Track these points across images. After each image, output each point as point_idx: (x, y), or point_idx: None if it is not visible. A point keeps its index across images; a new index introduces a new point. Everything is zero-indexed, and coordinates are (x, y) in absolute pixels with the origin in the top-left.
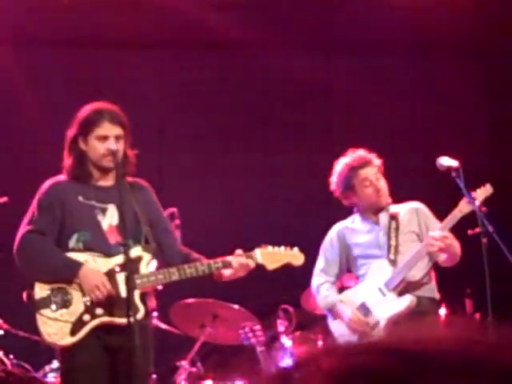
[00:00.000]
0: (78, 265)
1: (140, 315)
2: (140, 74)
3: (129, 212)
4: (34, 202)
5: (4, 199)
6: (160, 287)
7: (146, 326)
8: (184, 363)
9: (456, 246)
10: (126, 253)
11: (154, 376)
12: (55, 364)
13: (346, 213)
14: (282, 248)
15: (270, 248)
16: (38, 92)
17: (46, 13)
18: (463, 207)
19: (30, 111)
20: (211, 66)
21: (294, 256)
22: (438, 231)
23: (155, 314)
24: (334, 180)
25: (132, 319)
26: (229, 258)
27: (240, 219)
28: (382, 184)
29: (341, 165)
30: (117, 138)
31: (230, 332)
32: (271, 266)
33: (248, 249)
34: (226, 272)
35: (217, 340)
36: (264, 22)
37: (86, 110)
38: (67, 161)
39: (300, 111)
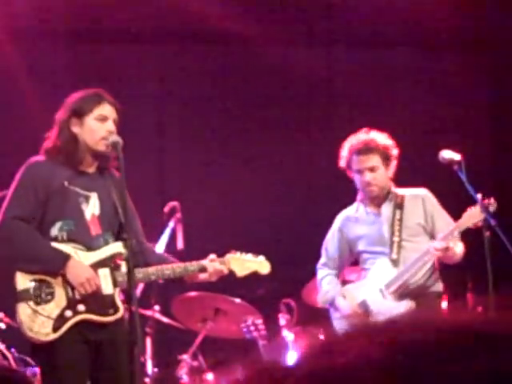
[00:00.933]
0: (65, 256)
1: (120, 314)
2: (140, 67)
3: (108, 203)
4: (16, 183)
5: (5, 193)
6: (161, 281)
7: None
8: (185, 357)
9: (457, 252)
10: (127, 247)
11: (156, 370)
12: None
13: (349, 203)
14: (250, 255)
15: (238, 254)
16: (39, 85)
17: (46, 4)
18: (465, 221)
19: (31, 104)
20: (212, 59)
21: (261, 264)
22: (440, 242)
23: (157, 307)
24: (341, 153)
25: (129, 312)
26: (204, 263)
27: (241, 212)
28: (375, 176)
29: (349, 142)
30: (114, 121)
31: (231, 326)
32: (241, 273)
33: (250, 242)
34: (201, 276)
35: (218, 334)
36: (265, 15)
37: (80, 94)
38: (54, 143)
39: (301, 105)
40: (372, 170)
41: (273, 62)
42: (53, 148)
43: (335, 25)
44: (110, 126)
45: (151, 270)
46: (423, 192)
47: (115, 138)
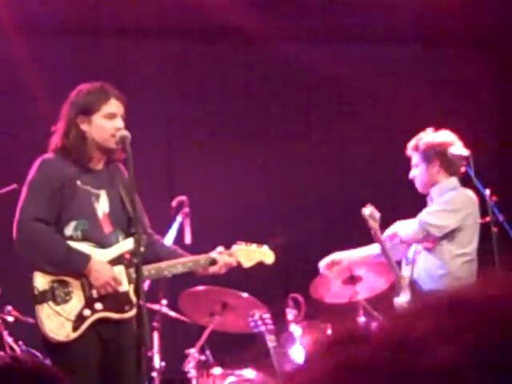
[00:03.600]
0: (87, 258)
1: (135, 310)
2: (147, 62)
3: (116, 199)
4: (30, 183)
5: (13, 186)
6: (169, 275)
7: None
8: (193, 351)
9: None
10: (136, 242)
11: (163, 364)
12: None
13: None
14: (254, 245)
15: (243, 245)
16: (45, 80)
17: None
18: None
19: (37, 99)
20: (219, 54)
21: (266, 254)
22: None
23: (164, 301)
24: None
25: (137, 306)
26: (214, 256)
27: (249, 207)
28: (415, 172)
29: None
30: (122, 116)
31: (239, 320)
32: (247, 263)
33: (257, 237)
34: (212, 268)
35: (226, 328)
36: (269, 11)
37: (85, 89)
38: (63, 141)
39: (306, 102)
40: (415, 166)
41: (279, 58)
42: (62, 147)
43: (339, 21)
44: (119, 122)
45: (163, 265)
46: None
47: (124, 132)
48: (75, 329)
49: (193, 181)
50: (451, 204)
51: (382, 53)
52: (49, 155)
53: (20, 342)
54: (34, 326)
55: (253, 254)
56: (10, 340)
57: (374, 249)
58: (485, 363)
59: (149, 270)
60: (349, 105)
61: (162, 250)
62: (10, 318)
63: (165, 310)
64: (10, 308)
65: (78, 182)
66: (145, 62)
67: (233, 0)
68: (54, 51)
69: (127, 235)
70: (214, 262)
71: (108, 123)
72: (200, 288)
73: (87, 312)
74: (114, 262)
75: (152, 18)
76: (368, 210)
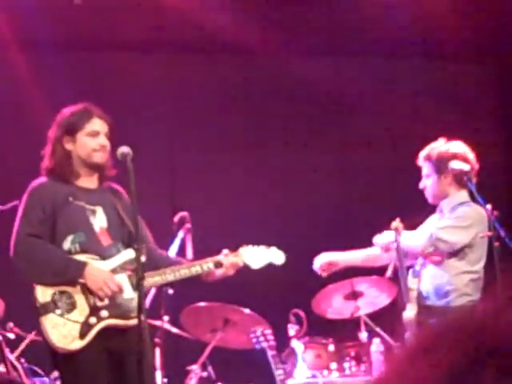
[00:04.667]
0: (82, 264)
1: (143, 318)
2: (148, 77)
3: (114, 215)
4: (24, 205)
5: (15, 203)
6: (171, 291)
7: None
8: (195, 367)
9: None
10: (137, 258)
11: (165, 380)
12: None
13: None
14: (263, 247)
15: (250, 247)
16: (45, 95)
17: (49, 15)
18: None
19: (37, 114)
20: (220, 68)
21: (276, 255)
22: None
23: (166, 318)
24: None
25: (138, 321)
26: (219, 258)
27: (251, 223)
28: (426, 183)
29: None
30: (106, 135)
31: (241, 336)
32: (256, 265)
33: None
34: (218, 272)
35: (228, 344)
36: (271, 25)
37: (68, 110)
38: (50, 162)
39: (308, 114)
40: (426, 177)
41: (279, 71)
42: (50, 168)
43: (341, 35)
44: (102, 140)
45: (168, 270)
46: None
47: (124, 149)
48: (82, 336)
49: (195, 196)
50: (464, 220)
51: (384, 66)
52: (39, 181)
53: (22, 360)
54: (36, 343)
55: (262, 255)
56: (11, 357)
57: (371, 251)
58: None
59: (152, 276)
60: (350, 117)
61: (165, 263)
62: (12, 335)
63: (167, 326)
64: (11, 325)
65: (70, 199)
66: (146, 77)
67: (234, 15)
68: (53, 67)
69: (128, 248)
70: (219, 265)
71: (91, 141)
72: (202, 304)
73: (93, 320)
74: (115, 271)
75: (153, 33)
76: (397, 224)
